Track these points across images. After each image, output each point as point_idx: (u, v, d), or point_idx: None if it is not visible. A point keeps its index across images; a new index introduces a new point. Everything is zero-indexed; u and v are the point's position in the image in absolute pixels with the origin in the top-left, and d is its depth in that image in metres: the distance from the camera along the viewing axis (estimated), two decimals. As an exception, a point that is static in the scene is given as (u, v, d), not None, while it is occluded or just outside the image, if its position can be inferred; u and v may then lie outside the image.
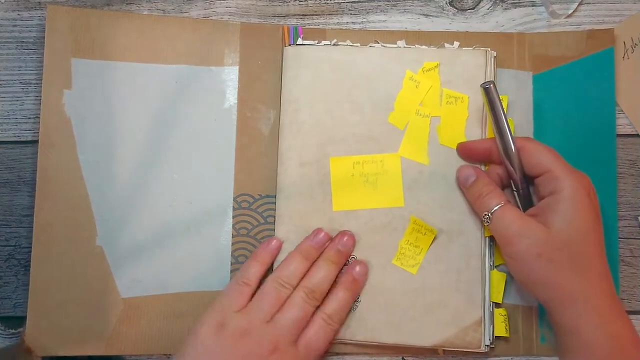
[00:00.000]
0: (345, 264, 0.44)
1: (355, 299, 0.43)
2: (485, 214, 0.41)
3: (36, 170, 0.46)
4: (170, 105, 0.46)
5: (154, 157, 0.45)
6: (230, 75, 0.46)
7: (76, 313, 0.44)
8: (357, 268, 0.43)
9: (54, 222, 0.44)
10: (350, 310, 0.43)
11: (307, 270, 0.43)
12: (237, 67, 0.46)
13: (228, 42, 0.46)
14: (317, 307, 0.42)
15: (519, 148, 0.41)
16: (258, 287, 0.42)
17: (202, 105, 0.46)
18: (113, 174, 0.45)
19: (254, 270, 0.43)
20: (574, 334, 0.38)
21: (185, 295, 0.44)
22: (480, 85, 0.41)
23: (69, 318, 0.44)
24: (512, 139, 0.41)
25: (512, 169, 0.41)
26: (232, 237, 0.45)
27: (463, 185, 0.43)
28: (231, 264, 0.45)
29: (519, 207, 0.42)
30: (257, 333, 0.39)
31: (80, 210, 0.44)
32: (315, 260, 0.43)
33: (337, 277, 0.43)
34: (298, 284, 0.42)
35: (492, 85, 0.40)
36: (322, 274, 0.42)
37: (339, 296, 0.42)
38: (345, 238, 0.43)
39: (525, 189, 0.42)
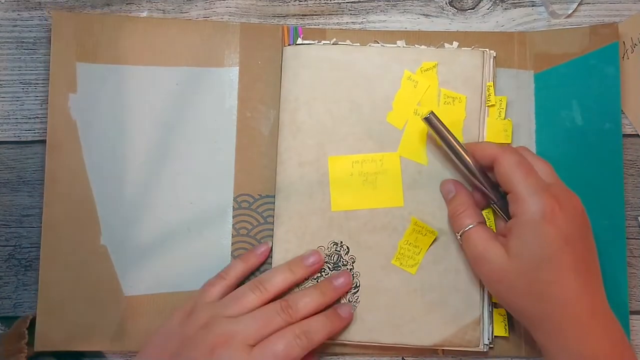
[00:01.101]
0: (334, 302, 0.43)
1: (333, 337, 0.43)
2: (457, 234, 0.41)
3: (36, 171, 0.46)
4: (171, 106, 0.46)
5: (156, 158, 0.46)
6: (230, 76, 0.46)
7: (82, 310, 0.44)
8: (345, 308, 0.43)
9: (61, 222, 0.45)
10: (323, 341, 0.41)
11: (290, 284, 0.43)
12: (237, 67, 0.46)
13: (228, 43, 0.46)
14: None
15: (494, 159, 0.40)
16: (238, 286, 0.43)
17: (203, 106, 0.46)
18: (116, 175, 0.45)
19: (236, 267, 0.44)
20: (545, 354, 0.38)
21: (185, 294, 0.44)
22: (422, 119, 0.41)
23: (75, 315, 0.44)
24: (467, 158, 0.41)
25: (479, 184, 0.41)
26: (232, 237, 0.45)
27: (445, 199, 0.44)
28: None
29: (503, 217, 0.42)
30: (216, 325, 0.39)
31: (86, 210, 0.45)
32: (307, 286, 0.44)
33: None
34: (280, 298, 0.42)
35: (431, 114, 0.41)
36: (307, 299, 0.42)
37: (319, 319, 0.41)
38: (343, 279, 0.43)
39: (501, 200, 0.41)
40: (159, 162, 0.45)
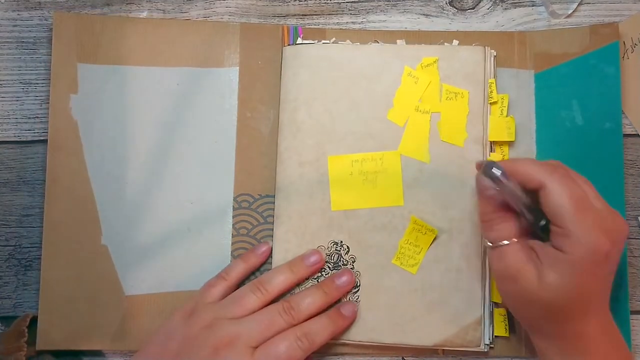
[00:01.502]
0: (337, 302, 0.43)
1: (336, 337, 0.43)
2: (490, 244, 0.38)
3: (36, 170, 0.46)
4: (171, 107, 0.46)
5: (156, 158, 0.46)
6: (230, 76, 0.46)
7: (83, 309, 0.44)
8: (348, 307, 0.43)
9: (62, 222, 0.45)
10: (326, 343, 0.41)
11: (291, 285, 0.43)
12: (237, 67, 0.46)
13: (228, 44, 0.46)
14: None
15: (541, 186, 0.35)
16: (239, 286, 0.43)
17: (203, 106, 0.46)
18: (117, 175, 0.45)
19: (237, 267, 0.44)
20: (542, 358, 0.38)
21: (185, 293, 0.44)
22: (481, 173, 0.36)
23: (76, 314, 0.44)
24: (527, 206, 0.36)
25: (523, 214, 0.37)
26: (232, 237, 0.45)
27: (480, 193, 0.38)
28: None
29: (539, 234, 0.37)
30: (218, 327, 0.40)
31: (87, 210, 0.45)
32: (307, 285, 0.43)
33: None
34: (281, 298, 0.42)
35: (494, 167, 0.35)
36: (309, 299, 0.42)
37: (322, 321, 0.41)
38: (345, 277, 0.43)
39: (541, 223, 0.37)
40: (160, 162, 0.46)
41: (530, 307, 0.37)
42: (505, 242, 0.37)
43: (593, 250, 0.34)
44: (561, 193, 0.35)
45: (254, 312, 0.41)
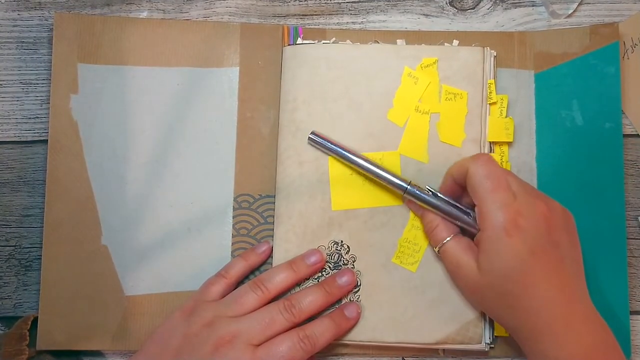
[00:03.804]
0: (338, 301, 0.43)
1: (339, 338, 0.43)
2: (435, 249, 0.42)
3: (37, 171, 0.46)
4: (172, 107, 0.46)
5: (156, 158, 0.46)
6: (230, 76, 0.46)
7: (84, 309, 0.44)
8: (352, 308, 0.43)
9: (62, 222, 0.45)
10: (328, 344, 0.41)
11: (292, 283, 0.43)
12: (238, 67, 0.46)
13: (228, 44, 0.46)
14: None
15: (466, 172, 0.39)
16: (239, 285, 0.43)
17: (203, 106, 0.46)
18: (117, 175, 0.45)
19: (237, 266, 0.43)
20: (527, 358, 0.39)
21: (185, 294, 0.44)
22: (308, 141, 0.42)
23: (77, 314, 0.44)
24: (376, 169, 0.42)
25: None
26: (232, 237, 0.45)
27: (416, 211, 0.43)
28: None
29: (474, 226, 0.40)
30: (219, 325, 0.40)
31: (87, 210, 0.45)
32: (307, 285, 0.43)
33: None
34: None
35: (311, 134, 0.41)
36: (310, 297, 0.41)
37: (324, 323, 0.41)
38: (346, 277, 0.43)
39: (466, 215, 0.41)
40: (160, 162, 0.46)
41: (482, 296, 0.39)
42: (446, 239, 0.40)
43: (503, 222, 0.36)
44: (479, 172, 0.38)
45: (254, 310, 0.41)
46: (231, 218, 0.45)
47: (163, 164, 0.46)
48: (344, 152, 0.43)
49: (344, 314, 0.42)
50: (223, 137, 0.46)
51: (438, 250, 0.41)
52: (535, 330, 0.37)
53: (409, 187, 0.41)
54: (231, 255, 0.45)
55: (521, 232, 0.36)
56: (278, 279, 0.42)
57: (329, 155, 0.44)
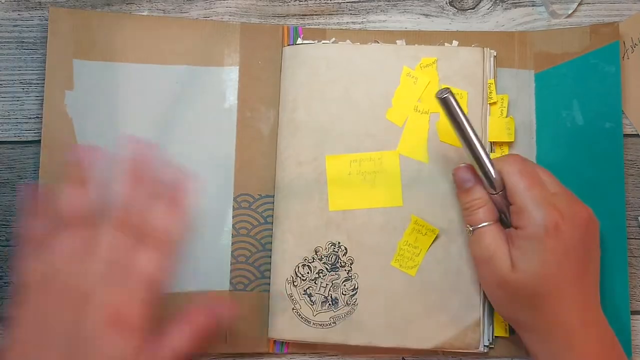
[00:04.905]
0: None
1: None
2: (468, 227, 0.40)
3: (36, 170, 0.46)
4: (170, 105, 0.46)
5: None
6: (230, 76, 0.46)
7: None
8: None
9: None
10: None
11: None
12: (237, 67, 0.46)
13: (228, 43, 0.46)
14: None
15: (501, 173, 0.39)
16: None
17: (203, 105, 0.46)
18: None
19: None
20: (533, 356, 0.39)
21: (185, 294, 0.44)
22: (436, 96, 0.38)
23: None
24: (482, 153, 0.38)
25: (484, 178, 0.39)
26: (232, 237, 0.45)
27: (458, 187, 0.41)
28: (231, 264, 0.45)
29: (505, 214, 0.40)
30: None
31: None
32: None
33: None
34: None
35: (447, 93, 0.38)
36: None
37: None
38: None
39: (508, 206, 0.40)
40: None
41: (507, 292, 0.38)
42: (485, 223, 0.39)
43: (544, 223, 0.36)
44: (514, 171, 0.38)
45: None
46: (231, 218, 0.45)
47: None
48: (466, 125, 0.38)
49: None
50: (223, 136, 0.46)
51: (472, 231, 0.40)
52: (552, 331, 0.37)
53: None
54: (231, 256, 0.45)
55: (560, 234, 0.36)
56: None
57: (450, 120, 0.39)
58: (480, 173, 0.39)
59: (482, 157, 0.39)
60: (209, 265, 0.45)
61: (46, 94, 0.45)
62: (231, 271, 0.45)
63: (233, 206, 0.45)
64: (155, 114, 0.46)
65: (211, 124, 0.46)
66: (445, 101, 0.38)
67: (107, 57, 0.46)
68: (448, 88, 0.38)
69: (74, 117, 0.45)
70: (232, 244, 0.45)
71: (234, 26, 0.46)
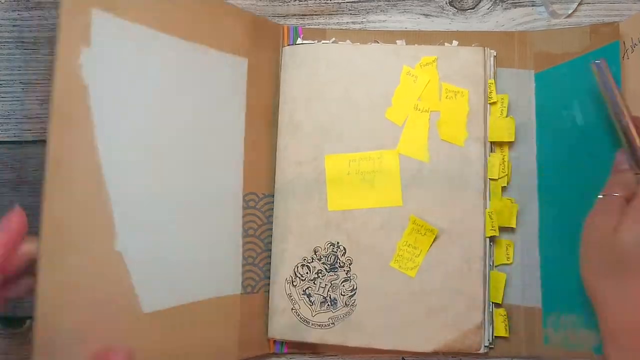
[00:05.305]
0: None
1: None
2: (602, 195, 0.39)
3: (37, 170, 0.46)
4: (173, 90, 0.41)
5: (158, 159, 0.40)
6: (241, 68, 0.44)
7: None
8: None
9: (65, 222, 0.35)
10: None
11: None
12: (247, 59, 0.44)
13: (239, 32, 0.44)
14: None
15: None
16: None
17: (209, 101, 0.43)
18: (137, 161, 0.38)
19: None
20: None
21: (201, 304, 0.41)
22: (591, 63, 0.39)
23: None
24: (628, 119, 0.39)
25: (629, 148, 0.39)
26: (243, 239, 0.44)
27: (615, 167, 0.40)
28: (242, 266, 0.44)
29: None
30: None
31: (97, 205, 0.36)
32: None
33: None
34: None
35: (602, 61, 0.39)
36: None
37: None
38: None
39: None
40: (163, 162, 0.41)
41: (618, 259, 0.37)
42: (616, 194, 0.38)
43: None
44: None
45: None
46: (241, 218, 0.44)
47: (167, 164, 0.41)
48: (618, 98, 0.39)
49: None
50: (230, 136, 0.44)
51: (604, 194, 0.39)
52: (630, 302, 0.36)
53: None
54: (242, 258, 0.44)
55: None
56: None
57: (603, 92, 0.40)
58: (625, 145, 0.39)
59: (631, 131, 0.39)
60: (220, 269, 0.42)
61: (58, 53, 0.34)
62: (242, 273, 0.44)
63: (242, 205, 0.44)
64: (157, 100, 0.40)
65: (218, 122, 0.43)
66: (598, 67, 0.39)
67: (123, 14, 0.37)
68: (604, 58, 0.39)
69: (90, 85, 0.36)
70: (243, 244, 0.44)
71: (245, 16, 0.45)
